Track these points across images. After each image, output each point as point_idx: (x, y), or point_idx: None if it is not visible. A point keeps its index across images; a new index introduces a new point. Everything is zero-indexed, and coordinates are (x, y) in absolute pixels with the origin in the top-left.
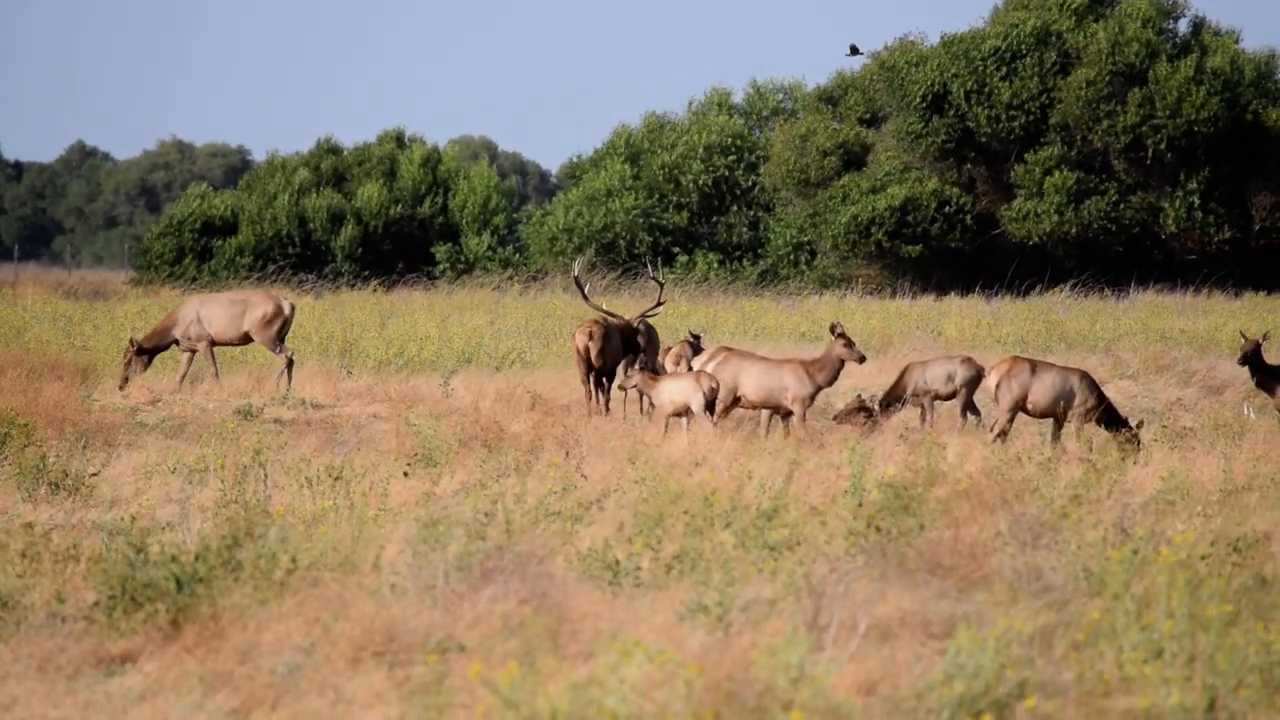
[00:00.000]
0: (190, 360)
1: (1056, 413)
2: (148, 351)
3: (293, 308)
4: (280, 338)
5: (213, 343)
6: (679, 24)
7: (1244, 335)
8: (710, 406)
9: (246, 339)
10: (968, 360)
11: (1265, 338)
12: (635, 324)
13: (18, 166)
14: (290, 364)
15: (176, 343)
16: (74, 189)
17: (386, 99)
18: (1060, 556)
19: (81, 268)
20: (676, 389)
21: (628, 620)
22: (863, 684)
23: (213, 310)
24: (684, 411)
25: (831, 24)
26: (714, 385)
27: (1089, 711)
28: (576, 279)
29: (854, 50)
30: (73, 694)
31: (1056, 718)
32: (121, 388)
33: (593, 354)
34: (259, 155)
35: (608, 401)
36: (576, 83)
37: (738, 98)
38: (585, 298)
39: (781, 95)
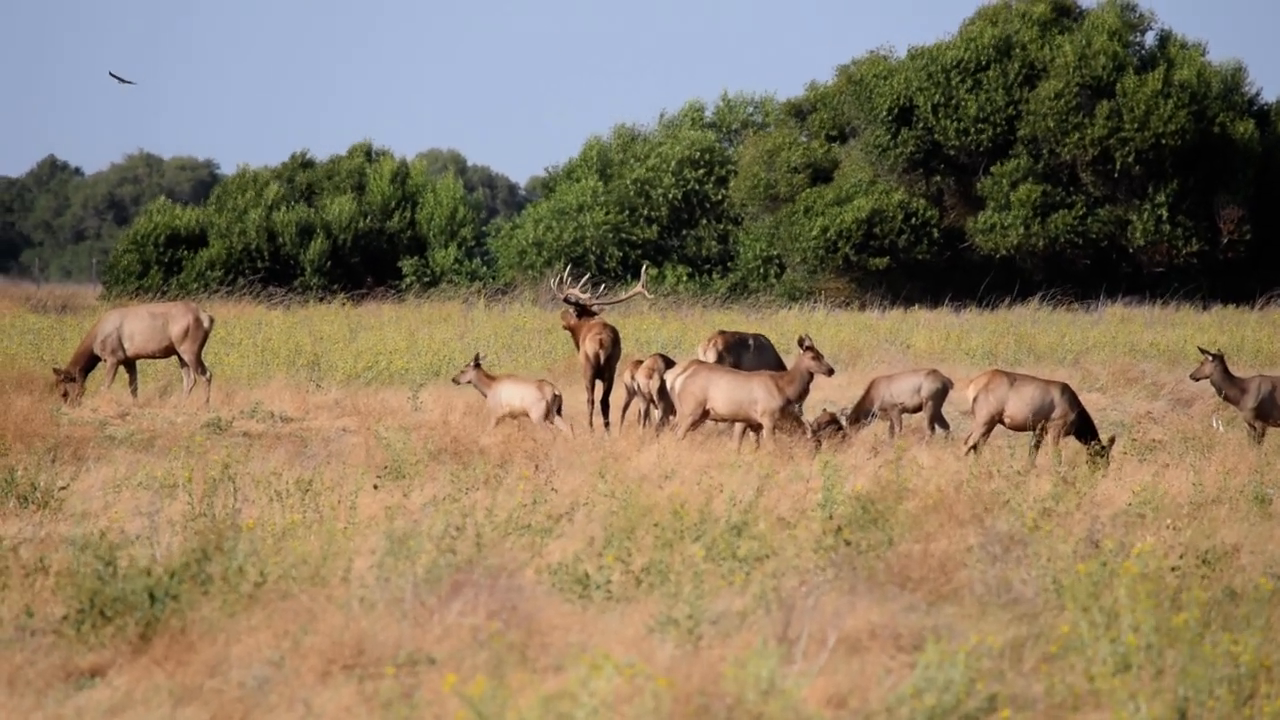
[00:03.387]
0: (115, 370)
1: (1033, 426)
2: (77, 377)
3: (212, 320)
4: (199, 351)
5: (129, 357)
6: (649, 36)
7: (1202, 349)
8: (549, 415)
9: (169, 352)
10: (934, 373)
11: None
12: (592, 307)
13: None
14: (209, 380)
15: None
16: (42, 203)
17: (356, 113)
18: (1030, 569)
19: (50, 281)
20: (514, 393)
21: (597, 633)
22: (832, 697)
23: (134, 323)
24: (519, 415)
25: (807, 38)
26: (556, 394)
27: None
28: (567, 299)
29: (117, 79)
30: (41, 708)
31: None
32: (73, 406)
33: (602, 359)
34: (227, 169)
35: (607, 409)
36: (545, 96)
37: (710, 111)
38: (565, 299)
39: (752, 109)
